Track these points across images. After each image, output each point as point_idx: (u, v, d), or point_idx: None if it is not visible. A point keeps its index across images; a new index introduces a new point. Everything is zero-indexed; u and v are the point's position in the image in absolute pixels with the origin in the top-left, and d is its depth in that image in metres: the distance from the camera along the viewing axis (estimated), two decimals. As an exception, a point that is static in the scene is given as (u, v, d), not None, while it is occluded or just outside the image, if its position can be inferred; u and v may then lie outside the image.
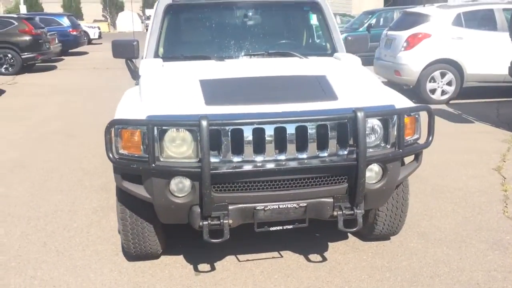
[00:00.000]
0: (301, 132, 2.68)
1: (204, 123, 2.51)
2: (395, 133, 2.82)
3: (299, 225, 2.89)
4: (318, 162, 2.71)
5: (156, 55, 3.76)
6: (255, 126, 2.63)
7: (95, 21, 44.72)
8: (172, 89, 3.03)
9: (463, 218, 3.92)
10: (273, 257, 3.34)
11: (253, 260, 3.30)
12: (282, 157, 2.69)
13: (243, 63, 3.56)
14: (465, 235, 3.63)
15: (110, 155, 2.67)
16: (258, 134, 2.65)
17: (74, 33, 19.38)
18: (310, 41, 4.09)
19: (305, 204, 2.78)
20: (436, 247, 3.46)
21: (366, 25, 14.22)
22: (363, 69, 3.54)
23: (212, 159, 2.64)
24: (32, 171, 5.17)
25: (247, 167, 2.65)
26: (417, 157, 3.05)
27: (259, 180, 2.72)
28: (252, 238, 3.41)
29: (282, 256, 3.35)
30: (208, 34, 4.01)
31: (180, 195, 2.71)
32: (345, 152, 2.75)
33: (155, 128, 2.59)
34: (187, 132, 2.64)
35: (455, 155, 5.56)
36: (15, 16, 15.66)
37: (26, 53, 13.68)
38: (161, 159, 2.66)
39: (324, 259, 3.32)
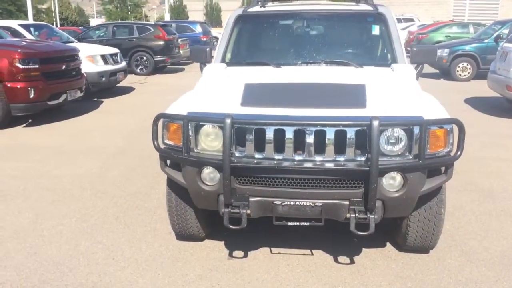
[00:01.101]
0: (320, 135, 2.86)
1: (227, 121, 2.84)
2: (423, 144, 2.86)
3: (315, 224, 3.06)
4: (333, 165, 2.86)
5: (223, 60, 4.17)
6: (276, 127, 2.88)
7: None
8: (219, 89, 3.41)
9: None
10: (304, 254, 3.53)
11: (284, 254, 3.53)
12: (300, 157, 2.90)
13: (296, 70, 3.80)
14: (506, 258, 3.44)
15: (155, 144, 3.13)
16: (279, 134, 2.89)
17: (204, 39, 20.96)
18: (371, 51, 4.17)
19: (320, 204, 2.95)
20: (475, 266, 3.34)
21: (494, 35, 13.25)
22: (410, 81, 3.56)
23: (237, 154, 2.95)
24: (130, 157, 5.96)
25: (266, 164, 2.90)
26: (446, 170, 3.02)
27: (277, 177, 2.96)
28: (291, 234, 3.69)
29: (312, 254, 3.53)
30: (272, 42, 4.33)
31: (209, 184, 3.06)
32: (362, 158, 2.86)
33: (189, 122, 2.99)
34: (218, 128, 2.98)
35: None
36: (152, 23, 17.51)
37: (158, 56, 15.28)
38: (195, 150, 3.04)
39: (352, 262, 3.42)
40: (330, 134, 2.85)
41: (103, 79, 10.38)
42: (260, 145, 2.92)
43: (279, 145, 2.90)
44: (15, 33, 10.33)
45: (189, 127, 3.01)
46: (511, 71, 7.98)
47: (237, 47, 4.28)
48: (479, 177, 5.18)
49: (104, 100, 10.53)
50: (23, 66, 7.50)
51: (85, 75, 9.29)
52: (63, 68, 8.22)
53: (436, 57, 4.16)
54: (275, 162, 2.90)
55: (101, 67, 10.42)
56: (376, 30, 4.11)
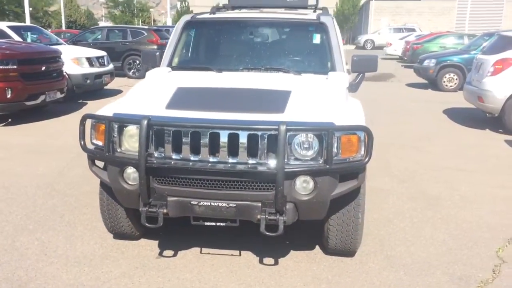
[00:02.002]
0: (233, 138, 2.96)
1: (144, 122, 2.95)
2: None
3: (230, 224, 3.16)
4: (245, 168, 2.96)
5: (169, 65, 4.29)
6: (192, 129, 2.99)
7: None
8: (151, 93, 3.53)
9: (447, 250, 3.76)
10: (232, 254, 3.62)
11: (213, 254, 3.63)
12: (214, 159, 3.00)
13: (234, 76, 3.91)
14: (436, 265, 3.51)
15: (81, 143, 3.25)
16: (195, 137, 3.00)
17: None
18: (311, 59, 4.28)
19: (234, 205, 3.05)
20: (394, 271, 3.42)
21: (481, 47, 13.29)
22: (340, 89, 3.66)
23: (156, 154, 3.06)
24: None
25: (182, 165, 3.01)
26: (357, 175, 3.11)
27: (194, 178, 3.06)
28: (226, 235, 3.78)
29: (240, 255, 3.62)
30: (217, 48, 4.46)
31: (131, 183, 3.17)
32: (272, 161, 2.96)
33: (111, 123, 3.10)
34: (137, 130, 3.10)
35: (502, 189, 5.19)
36: (146, 27, 17.71)
37: (150, 60, 15.41)
38: (118, 150, 3.15)
39: (276, 263, 3.51)
40: (243, 137, 2.95)
41: (88, 81, 10.55)
42: (177, 147, 3.03)
43: (195, 147, 3.01)
44: (3, 34, 10.53)
45: (114, 128, 3.12)
46: (483, 83, 8.05)
47: (184, 52, 4.41)
48: (430, 186, 5.25)
49: (88, 102, 10.69)
50: (1, 67, 7.67)
51: (67, 76, 9.46)
52: (42, 69, 8.39)
53: (376, 66, 4.26)
54: (190, 163, 3.01)
55: (86, 69, 10.59)
56: (317, 38, 4.22)
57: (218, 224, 3.19)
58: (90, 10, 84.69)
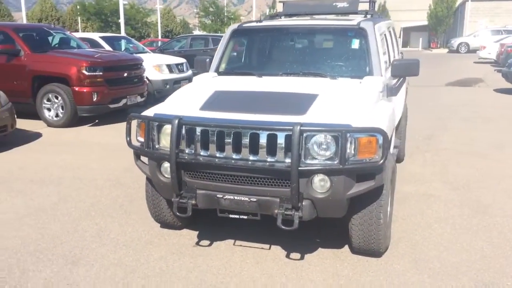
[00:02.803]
0: (254, 138, 3.20)
1: (175, 122, 3.29)
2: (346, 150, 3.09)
3: (252, 218, 3.39)
4: (263, 165, 3.18)
5: (216, 70, 4.63)
6: (218, 129, 3.27)
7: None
8: (190, 95, 3.87)
9: (482, 257, 3.67)
10: (262, 248, 3.85)
11: (245, 246, 3.87)
12: (237, 156, 3.26)
13: (272, 81, 4.13)
14: (464, 271, 3.47)
15: (127, 139, 3.67)
16: (221, 135, 3.28)
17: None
18: (348, 63, 4.37)
19: (255, 200, 3.28)
20: (418, 274, 3.44)
21: None
22: (368, 92, 3.74)
23: (187, 151, 3.39)
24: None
25: (208, 161, 3.30)
26: (374, 176, 3.19)
27: (219, 173, 3.34)
28: (261, 231, 4.01)
29: (269, 249, 3.83)
30: (260, 54, 4.71)
31: (166, 176, 3.53)
32: (288, 160, 3.14)
33: (150, 122, 3.48)
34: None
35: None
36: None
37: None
38: (157, 147, 3.52)
39: (302, 258, 3.67)
40: (263, 137, 3.18)
41: (167, 86, 11.33)
42: (205, 144, 3.33)
43: (221, 145, 3.29)
44: (95, 44, 11.66)
45: (153, 127, 3.50)
46: None
47: (230, 58, 4.72)
48: (485, 194, 5.07)
49: (168, 106, 11.44)
50: (89, 73, 8.57)
51: (147, 82, 10.26)
52: (125, 75, 9.19)
53: (418, 70, 4.26)
54: (216, 159, 3.29)
55: (166, 75, 11.38)
56: (355, 44, 4.32)
57: (241, 217, 3.43)
58: (185, 20, 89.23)
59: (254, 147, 3.21)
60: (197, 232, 4.14)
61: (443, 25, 48.53)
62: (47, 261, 3.64)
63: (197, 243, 3.95)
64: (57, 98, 8.74)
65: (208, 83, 4.20)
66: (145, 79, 10.16)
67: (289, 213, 3.20)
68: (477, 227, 4.24)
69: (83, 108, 8.68)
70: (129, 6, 46.50)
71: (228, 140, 3.25)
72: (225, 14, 50.83)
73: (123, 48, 13.16)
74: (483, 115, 9.90)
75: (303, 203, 3.21)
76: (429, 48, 50.13)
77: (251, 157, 3.22)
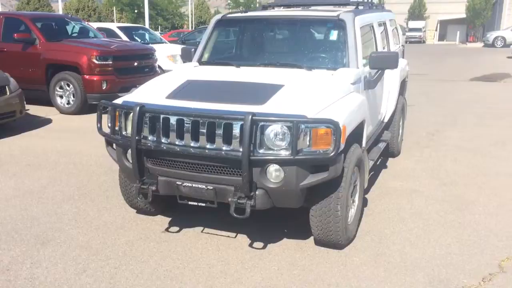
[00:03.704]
0: (211, 126, 3.24)
1: (136, 109, 3.37)
2: (298, 140, 3.10)
3: (209, 205, 3.44)
4: (218, 153, 3.22)
5: (199, 60, 4.68)
6: (177, 117, 3.33)
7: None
8: (162, 84, 3.93)
9: (446, 254, 3.61)
10: (228, 236, 3.90)
11: (212, 234, 3.94)
12: (195, 144, 3.31)
13: (247, 71, 4.15)
14: (423, 266, 3.42)
15: (98, 126, 3.77)
16: (180, 123, 3.34)
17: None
18: (325, 55, 4.34)
19: (212, 188, 3.33)
20: (374, 267, 3.41)
21: None
22: (337, 84, 3.73)
23: (150, 138, 3.46)
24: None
25: (167, 148, 3.36)
26: (327, 167, 3.19)
27: (179, 161, 3.41)
28: (235, 221, 3.87)
29: (235, 237, 3.88)
30: (242, 44, 4.73)
31: (131, 162, 3.62)
32: (241, 149, 3.18)
33: (117, 109, 3.58)
34: (137, 116, 3.52)
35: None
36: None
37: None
38: (123, 133, 3.62)
39: (264, 247, 3.71)
40: (219, 126, 3.22)
41: (181, 76, 11.45)
42: (166, 132, 3.40)
43: (180, 133, 3.35)
44: (112, 34, 11.91)
45: (121, 114, 3.60)
46: None
47: (213, 48, 4.76)
48: (471, 191, 4.97)
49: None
50: (99, 62, 8.79)
51: (159, 71, 10.41)
52: (135, 64, 9.38)
53: (397, 63, 4.20)
54: (175, 147, 3.36)
55: (179, 65, 11.51)
56: (334, 35, 4.29)
57: (199, 204, 3.49)
58: (219, 11, 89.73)
59: (211, 136, 3.25)
60: (169, 219, 4.23)
61: (481, 18, 47.04)
62: (19, 241, 3.80)
63: (167, 229, 4.04)
64: (68, 86, 9.01)
65: (185, 72, 4.26)
66: (157, 68, 10.32)
67: (241, 202, 3.24)
68: (452, 223, 4.16)
69: (93, 96, 8.90)
70: (161, -3, 47.17)
71: (187, 128, 3.31)
72: (257, 4, 50.77)
73: (147, 39, 13.42)
74: (497, 111, 9.61)
75: (257, 192, 3.24)
76: (466, 42, 48.67)
77: (208, 146, 3.27)
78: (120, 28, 12.46)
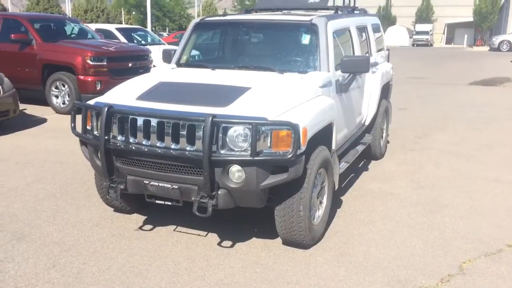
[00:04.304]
0: (175, 127, 3.34)
1: (104, 110, 3.48)
2: (259, 141, 3.20)
3: (176, 204, 3.54)
4: (181, 154, 3.32)
5: (177, 62, 4.79)
6: (144, 118, 3.43)
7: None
8: (135, 86, 4.03)
9: (409, 255, 3.68)
10: (199, 235, 4.00)
11: (184, 232, 4.03)
12: (161, 144, 3.41)
13: (220, 73, 4.24)
14: (384, 267, 3.50)
15: (72, 125, 3.88)
16: (147, 124, 3.44)
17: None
18: (298, 59, 4.42)
19: (177, 187, 3.43)
20: (336, 267, 3.49)
21: None
22: (305, 88, 3.82)
23: (118, 138, 3.57)
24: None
25: (134, 148, 3.46)
26: (286, 168, 3.27)
27: (146, 160, 3.51)
28: (210, 220, 3.92)
29: (205, 236, 3.97)
30: (218, 47, 4.83)
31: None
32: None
33: (88, 110, 3.69)
34: (110, 116, 3.63)
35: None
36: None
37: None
38: (95, 133, 3.72)
39: (232, 246, 3.80)
40: (183, 127, 3.32)
41: (177, 78, 11.57)
42: (134, 132, 3.50)
43: (146, 133, 3.45)
44: (110, 35, 12.06)
45: (92, 114, 3.71)
46: None
47: (190, 51, 4.86)
48: (447, 195, 5.03)
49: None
50: (93, 63, 8.93)
51: (154, 73, 10.54)
52: (129, 65, 9.51)
53: (368, 67, 4.27)
54: (142, 147, 3.46)
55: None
56: (306, 39, 4.37)
57: (166, 203, 3.59)
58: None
59: (175, 136, 3.35)
60: (145, 217, 4.33)
61: (487, 21, 46.84)
62: (-4, 236, 3.93)
63: (140, 227, 4.14)
64: (64, 86, 9.16)
65: (160, 74, 4.37)
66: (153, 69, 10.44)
67: (204, 201, 3.33)
68: (421, 225, 4.23)
69: (87, 96, 8.97)
70: (168, -2, 47.44)
71: (153, 128, 3.41)
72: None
73: (149, 40, 13.58)
74: (490, 115, 9.63)
75: (219, 192, 3.34)
76: (473, 45, 48.47)
77: (173, 146, 3.37)
78: (118, 29, 12.62)
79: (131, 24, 46.81)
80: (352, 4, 6.19)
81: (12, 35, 9.31)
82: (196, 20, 4.90)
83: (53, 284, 3.23)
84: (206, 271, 3.43)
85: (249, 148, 3.22)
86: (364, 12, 6.11)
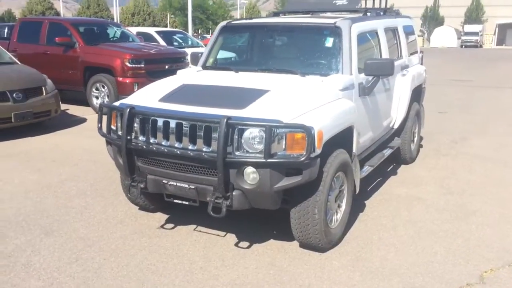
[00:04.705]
0: (193, 128, 3.42)
1: (126, 111, 3.60)
2: (273, 144, 3.22)
3: (192, 204, 3.61)
4: (197, 154, 3.39)
5: (203, 64, 4.87)
6: (164, 119, 3.53)
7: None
8: (160, 87, 4.14)
9: (428, 262, 3.60)
10: (218, 235, 4.06)
11: (203, 232, 4.10)
12: (179, 145, 3.49)
13: (243, 76, 4.27)
14: (400, 273, 3.43)
15: (98, 125, 4.04)
16: (167, 125, 3.53)
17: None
18: (320, 61, 4.40)
19: (194, 187, 3.50)
20: (351, 271, 3.46)
21: None
22: (325, 91, 3.81)
23: (140, 138, 3.68)
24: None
25: (155, 148, 3.56)
26: (300, 171, 3.27)
27: (165, 160, 3.60)
28: (230, 220, 4.10)
29: (224, 236, 4.03)
30: (243, 50, 4.89)
31: (124, 160, 3.85)
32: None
33: (112, 111, 3.82)
34: (133, 117, 3.75)
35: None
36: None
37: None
38: (118, 133, 3.85)
39: (249, 247, 3.83)
40: (200, 128, 3.39)
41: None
42: (154, 133, 3.60)
43: (166, 134, 3.54)
44: (150, 38, 12.39)
45: (117, 115, 3.84)
46: None
47: (217, 53, 4.93)
48: (476, 202, 4.87)
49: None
50: (131, 65, 9.21)
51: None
52: (166, 68, 9.73)
53: (392, 70, 4.20)
54: (162, 147, 3.55)
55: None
56: (329, 42, 4.35)
57: (183, 202, 3.67)
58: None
59: (192, 138, 3.42)
60: (168, 216, 4.44)
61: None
62: (27, 230, 4.13)
63: (162, 226, 4.24)
64: (103, 87, 9.49)
65: (185, 76, 4.47)
66: (189, 72, 10.64)
67: (218, 201, 3.39)
68: (445, 233, 4.12)
69: (125, 98, 9.31)
70: (211, 1, 48.09)
71: (172, 129, 3.49)
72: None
73: (189, 43, 13.87)
74: (534, 120, 9.22)
75: (233, 193, 3.38)
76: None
77: (190, 147, 3.44)
78: (158, 32, 12.93)
79: (176, 27, 47.78)
80: (384, 6, 6.10)
81: (57, 39, 9.73)
82: (223, 23, 4.98)
83: (73, 278, 3.37)
84: (220, 271, 3.48)
85: (263, 150, 3.24)
86: (396, 14, 6.01)
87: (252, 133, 3.28)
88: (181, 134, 3.46)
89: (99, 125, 4.04)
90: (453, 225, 4.26)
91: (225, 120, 3.20)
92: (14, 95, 7.33)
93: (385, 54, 4.96)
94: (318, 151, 3.30)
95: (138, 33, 12.03)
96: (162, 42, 12.43)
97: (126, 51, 9.47)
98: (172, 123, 3.49)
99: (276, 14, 5.62)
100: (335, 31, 4.33)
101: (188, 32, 22.85)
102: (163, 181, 3.63)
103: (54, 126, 8.28)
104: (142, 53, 9.54)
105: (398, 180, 5.55)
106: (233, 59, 5.02)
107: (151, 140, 3.61)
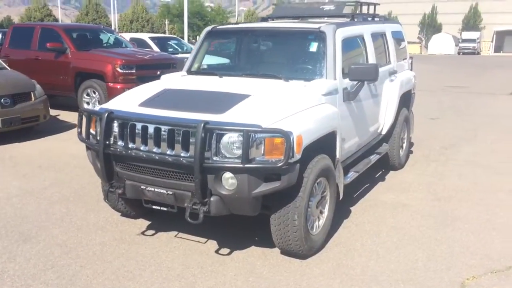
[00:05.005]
0: (171, 133, 3.37)
1: (104, 115, 3.55)
2: (252, 149, 3.17)
3: (170, 210, 3.55)
4: (174, 160, 3.34)
5: (188, 69, 4.83)
6: (142, 124, 3.48)
7: (408, 42, 46.53)
8: (141, 92, 4.09)
9: (410, 269, 3.54)
10: (198, 241, 4.00)
11: (184, 238, 4.04)
12: (157, 150, 3.44)
13: (226, 81, 4.24)
14: (380, 280, 3.38)
15: (78, 130, 3.99)
16: (145, 130, 3.48)
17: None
18: (305, 66, 4.36)
19: (172, 193, 3.44)
20: (331, 278, 3.41)
21: None
22: (307, 95, 3.77)
23: (119, 143, 3.63)
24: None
25: (133, 153, 3.51)
26: (279, 176, 3.22)
27: (143, 166, 3.55)
28: (212, 227, 4.11)
29: (205, 243, 3.97)
30: (228, 55, 4.85)
31: (103, 165, 3.80)
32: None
33: (90, 115, 3.78)
34: (111, 121, 3.70)
35: None
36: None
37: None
38: (98, 138, 3.80)
39: (229, 254, 3.78)
40: (178, 133, 3.34)
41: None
42: (132, 137, 3.55)
43: (144, 139, 3.49)
44: (143, 44, 12.36)
45: (97, 120, 3.79)
46: None
47: (201, 58, 4.90)
48: (463, 208, 4.82)
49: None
50: (122, 71, 9.17)
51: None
52: (158, 73, 9.65)
53: (376, 75, 4.17)
54: (140, 152, 3.50)
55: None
56: (314, 47, 4.31)
57: (161, 208, 3.62)
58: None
59: (170, 142, 3.37)
60: (149, 222, 4.38)
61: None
62: (4, 237, 4.06)
63: (143, 232, 4.18)
64: (94, 93, 9.44)
65: (168, 81, 4.42)
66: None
67: (196, 207, 3.33)
68: (428, 239, 4.06)
69: (116, 103, 9.27)
70: (209, 8, 48.21)
71: (150, 134, 3.44)
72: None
73: (186, 49, 13.87)
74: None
75: (211, 199, 3.33)
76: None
77: (168, 152, 3.39)
78: (151, 38, 12.92)
79: (174, 33, 47.82)
80: (372, 12, 6.07)
81: (48, 44, 9.70)
82: (208, 28, 4.94)
83: (48, 285, 3.30)
84: (198, 278, 3.41)
85: (241, 155, 3.20)
86: (384, 20, 5.98)
87: (231, 138, 3.24)
88: (160, 139, 3.41)
89: (78, 130, 3.99)
90: (438, 232, 4.21)
91: (202, 124, 3.16)
92: (1, 100, 7.28)
93: (372, 59, 4.93)
94: (297, 156, 3.25)
95: (132, 39, 12.01)
96: (155, 48, 12.41)
97: (117, 56, 9.44)
98: (151, 128, 3.44)
99: (264, 19, 5.59)
100: (319, 36, 4.30)
101: (184, 39, 22.85)
102: (141, 186, 3.58)
103: (44, 131, 8.22)
104: (133, 59, 9.51)
105: (385, 186, 5.50)
106: (219, 64, 4.98)
107: (130, 145, 3.56)
